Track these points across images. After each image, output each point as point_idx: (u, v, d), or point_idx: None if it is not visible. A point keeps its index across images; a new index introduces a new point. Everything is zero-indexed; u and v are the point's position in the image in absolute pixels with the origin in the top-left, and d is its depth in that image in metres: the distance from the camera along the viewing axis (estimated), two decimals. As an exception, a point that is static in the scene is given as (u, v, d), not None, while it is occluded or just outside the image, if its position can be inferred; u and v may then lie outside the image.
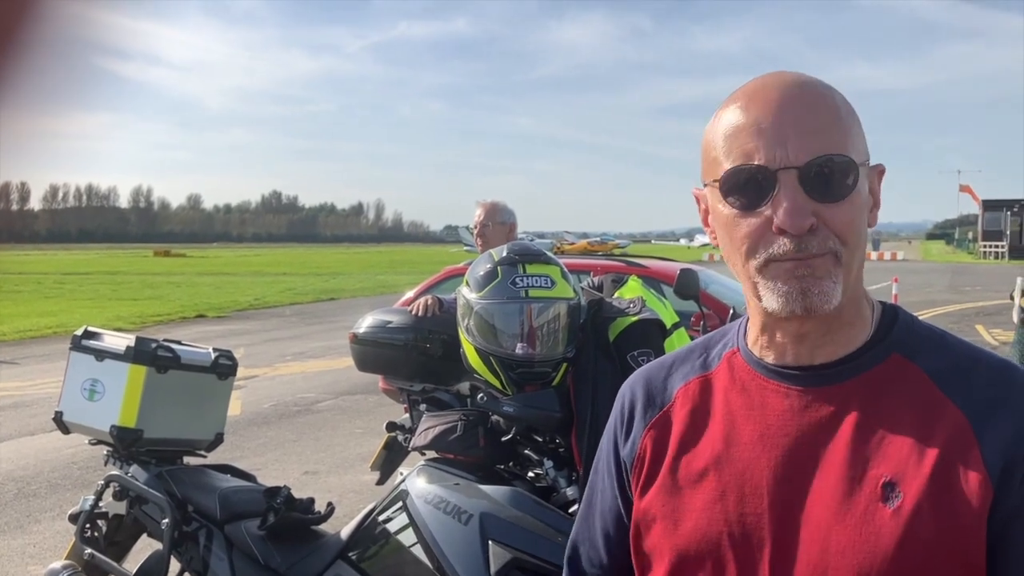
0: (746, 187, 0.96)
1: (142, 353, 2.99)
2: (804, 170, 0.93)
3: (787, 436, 1.01)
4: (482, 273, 2.61)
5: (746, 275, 1.00)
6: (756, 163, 0.95)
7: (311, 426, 8.61)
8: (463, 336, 2.63)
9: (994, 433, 0.94)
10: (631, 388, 1.18)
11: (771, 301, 0.97)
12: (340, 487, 6.35)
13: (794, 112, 0.95)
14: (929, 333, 1.04)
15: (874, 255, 59.51)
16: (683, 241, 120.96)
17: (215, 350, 3.24)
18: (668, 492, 1.08)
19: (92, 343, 3.09)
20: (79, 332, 3.14)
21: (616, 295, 2.86)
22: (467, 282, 2.66)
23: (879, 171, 1.02)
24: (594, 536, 1.22)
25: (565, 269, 2.66)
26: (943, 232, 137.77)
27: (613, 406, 1.21)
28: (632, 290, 2.92)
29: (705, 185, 1.04)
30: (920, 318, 1.10)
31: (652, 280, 5.89)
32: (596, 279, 3.07)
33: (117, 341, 3.07)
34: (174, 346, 3.10)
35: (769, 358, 1.05)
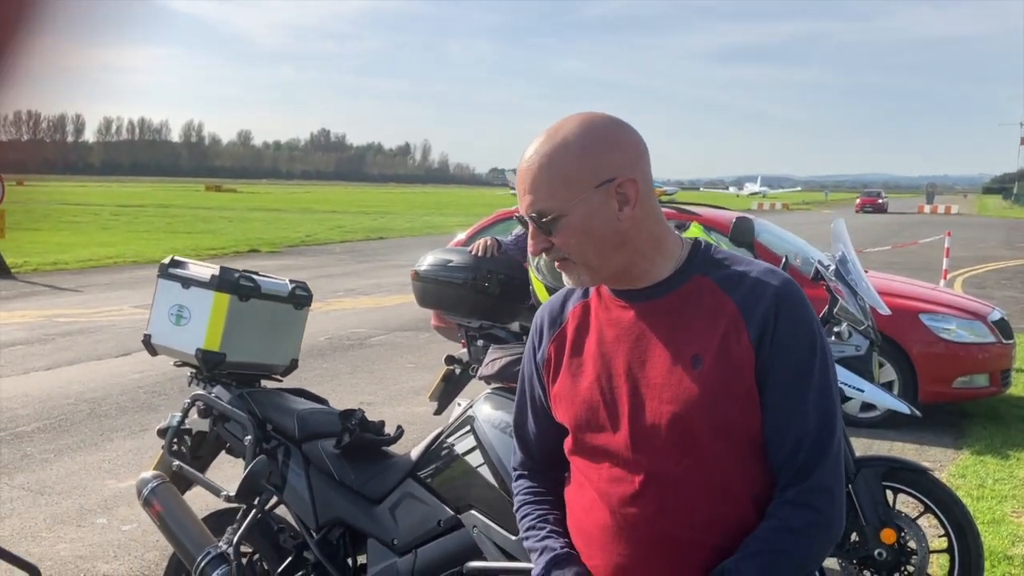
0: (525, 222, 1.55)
1: (226, 282, 3.16)
2: (531, 219, 1.50)
3: (632, 334, 1.54)
4: None
5: None
6: (519, 211, 1.55)
7: (365, 359, 8.89)
8: (532, 274, 2.78)
9: (754, 316, 1.46)
10: (541, 313, 1.70)
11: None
12: (395, 418, 6.58)
13: (522, 179, 1.50)
14: (722, 257, 1.55)
15: (927, 208, 58.34)
16: (732, 189, 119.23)
17: (291, 281, 3.41)
18: (567, 379, 1.61)
19: (178, 271, 3.26)
20: (166, 261, 3.31)
21: None
22: None
23: (619, 183, 1.47)
24: (525, 415, 1.74)
25: None
26: (1001, 186, 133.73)
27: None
28: (694, 235, 3.05)
29: None
30: (722, 248, 1.61)
31: (705, 229, 5.95)
32: None
33: (202, 270, 3.24)
34: (255, 276, 3.28)
35: (615, 286, 1.57)
